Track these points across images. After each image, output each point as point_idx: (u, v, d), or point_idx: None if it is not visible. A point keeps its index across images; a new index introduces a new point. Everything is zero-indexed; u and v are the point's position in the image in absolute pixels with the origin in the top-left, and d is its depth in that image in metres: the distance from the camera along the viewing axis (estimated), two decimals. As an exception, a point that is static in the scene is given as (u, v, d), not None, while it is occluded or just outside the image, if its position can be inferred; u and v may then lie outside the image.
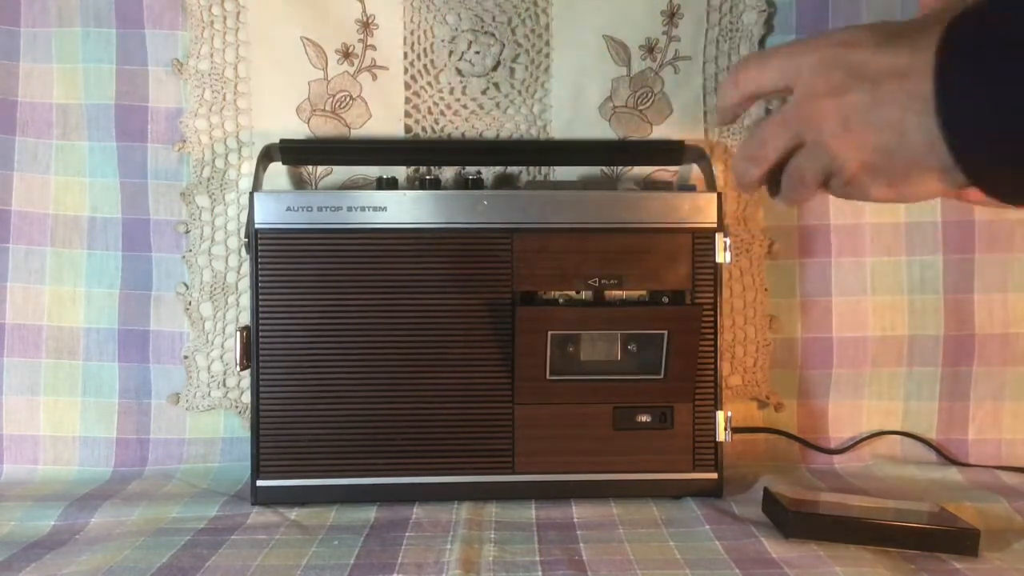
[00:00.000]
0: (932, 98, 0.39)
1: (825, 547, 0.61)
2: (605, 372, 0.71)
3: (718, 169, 0.82)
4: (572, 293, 0.73)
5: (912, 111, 0.40)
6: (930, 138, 0.40)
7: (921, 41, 0.40)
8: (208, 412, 0.85)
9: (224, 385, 0.85)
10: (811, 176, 0.47)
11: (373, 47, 0.85)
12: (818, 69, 0.45)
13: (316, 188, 0.85)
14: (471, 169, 0.83)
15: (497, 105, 0.86)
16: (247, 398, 0.84)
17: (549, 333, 0.70)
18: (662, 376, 0.71)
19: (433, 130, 0.86)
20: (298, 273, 0.72)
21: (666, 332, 0.69)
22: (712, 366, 0.74)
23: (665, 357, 0.71)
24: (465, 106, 0.86)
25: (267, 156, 0.80)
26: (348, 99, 0.85)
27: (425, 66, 0.85)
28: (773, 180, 0.50)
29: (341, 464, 0.72)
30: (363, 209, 0.72)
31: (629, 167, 0.87)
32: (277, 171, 0.84)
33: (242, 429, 0.85)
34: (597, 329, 0.70)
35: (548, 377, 0.71)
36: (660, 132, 0.86)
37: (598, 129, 0.86)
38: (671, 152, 0.83)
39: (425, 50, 0.85)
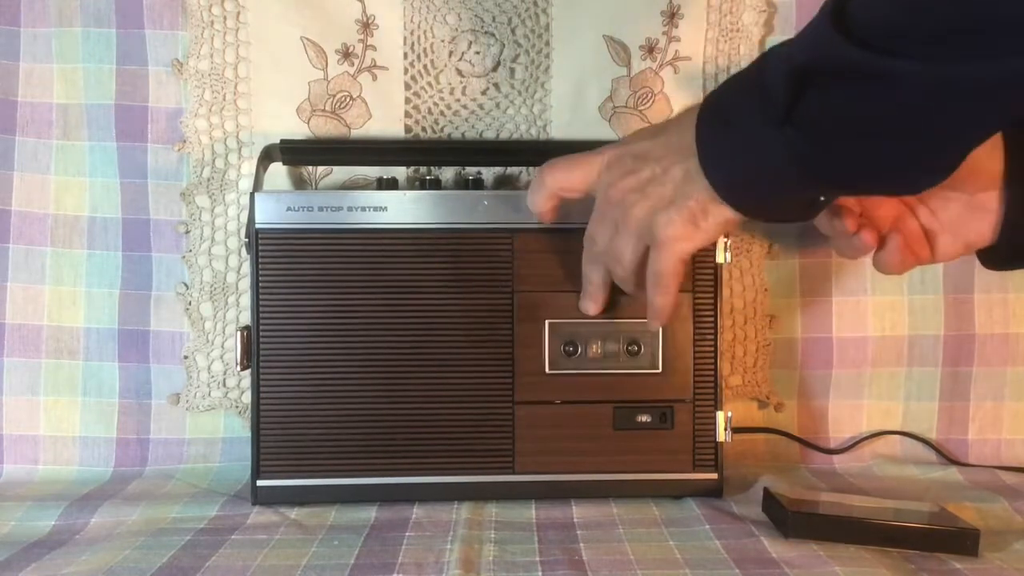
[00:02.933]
0: (698, 163, 0.56)
1: (825, 547, 0.61)
2: (603, 367, 0.72)
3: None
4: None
5: (687, 171, 0.56)
6: (702, 185, 0.56)
7: (684, 128, 0.57)
8: (208, 412, 0.85)
9: (224, 385, 0.85)
10: (627, 250, 0.61)
11: (373, 47, 0.85)
12: (612, 164, 0.61)
13: (316, 188, 0.85)
14: (471, 169, 0.83)
15: (497, 105, 0.86)
16: (247, 398, 0.84)
17: (547, 322, 0.70)
18: (660, 370, 0.72)
19: (433, 130, 0.86)
20: (298, 273, 0.72)
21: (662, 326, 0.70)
22: (712, 366, 0.74)
23: (662, 350, 0.72)
24: (465, 106, 0.86)
25: (267, 156, 0.80)
26: (348, 99, 0.85)
27: (425, 66, 0.85)
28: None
29: (341, 464, 0.72)
30: (363, 209, 0.72)
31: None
32: (277, 171, 0.84)
33: (242, 429, 0.85)
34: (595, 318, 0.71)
35: (547, 371, 0.71)
36: (660, 132, 0.86)
37: (598, 129, 0.86)
38: (671, 152, 0.83)
39: (425, 50, 0.85)
